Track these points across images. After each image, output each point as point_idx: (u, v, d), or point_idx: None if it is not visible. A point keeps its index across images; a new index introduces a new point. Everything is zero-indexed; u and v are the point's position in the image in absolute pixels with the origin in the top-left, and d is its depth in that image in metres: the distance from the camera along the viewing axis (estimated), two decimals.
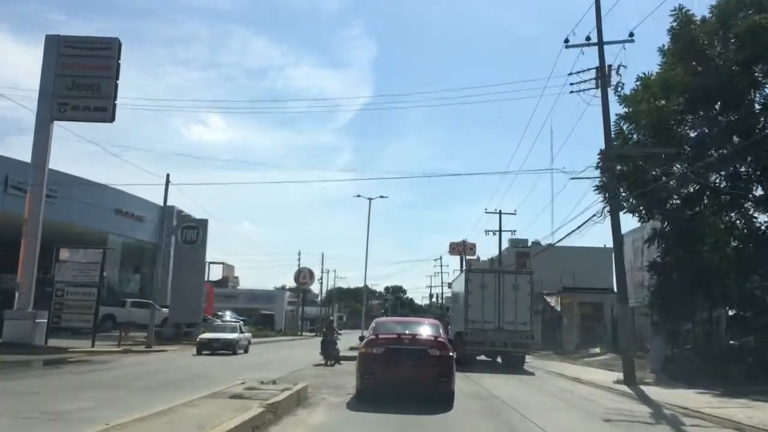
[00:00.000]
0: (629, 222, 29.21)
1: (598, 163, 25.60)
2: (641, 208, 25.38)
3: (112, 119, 25.08)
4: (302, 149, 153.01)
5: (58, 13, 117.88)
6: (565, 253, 42.75)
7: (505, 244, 46.93)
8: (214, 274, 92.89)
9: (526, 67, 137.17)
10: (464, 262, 70.43)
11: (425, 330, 11.70)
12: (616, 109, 23.81)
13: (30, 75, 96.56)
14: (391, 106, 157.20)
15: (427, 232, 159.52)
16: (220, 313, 53.75)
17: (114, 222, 38.02)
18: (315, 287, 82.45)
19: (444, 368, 10.66)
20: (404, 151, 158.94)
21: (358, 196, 36.31)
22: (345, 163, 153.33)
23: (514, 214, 36.89)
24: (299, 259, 74.65)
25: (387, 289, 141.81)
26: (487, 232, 37.10)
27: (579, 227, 22.84)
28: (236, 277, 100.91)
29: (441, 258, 77.82)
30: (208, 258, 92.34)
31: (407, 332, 11.41)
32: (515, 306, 20.83)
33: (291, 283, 77.95)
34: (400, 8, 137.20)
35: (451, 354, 11.04)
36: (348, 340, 40.26)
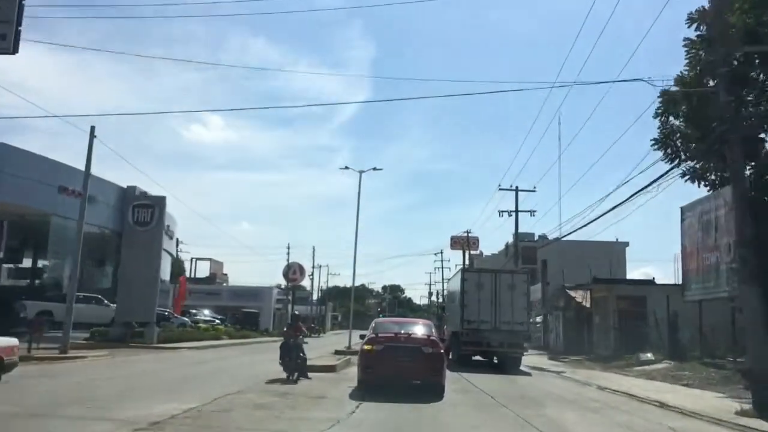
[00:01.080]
0: (689, 191, 22.94)
1: (659, 108, 19.45)
2: (709, 171, 19.29)
3: (14, 50, 18.52)
4: (300, 149, 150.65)
5: (57, 12, 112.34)
6: (573, 248, 41.08)
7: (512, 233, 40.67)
8: (201, 270, 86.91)
9: (525, 69, 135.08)
10: (467, 257, 64.36)
11: (419, 330, 12.74)
12: (687, 32, 17.68)
13: (27, 72, 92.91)
14: (390, 106, 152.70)
15: (427, 232, 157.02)
16: (194, 311, 47.34)
17: (58, 202, 31.57)
18: (307, 284, 76.14)
19: (436, 363, 11.71)
20: (403, 151, 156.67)
21: (346, 167, 29.86)
22: (344, 163, 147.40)
23: (534, 191, 30.57)
24: (288, 254, 68.34)
25: (385, 288, 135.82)
26: (501, 213, 30.69)
27: (654, 181, 16.58)
28: (225, 274, 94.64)
29: (442, 252, 71.56)
30: (195, 254, 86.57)
31: (403, 332, 12.48)
32: (512, 306, 20.16)
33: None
34: (399, 9, 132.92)
35: (441, 351, 12.10)
36: (335, 342, 34.03)
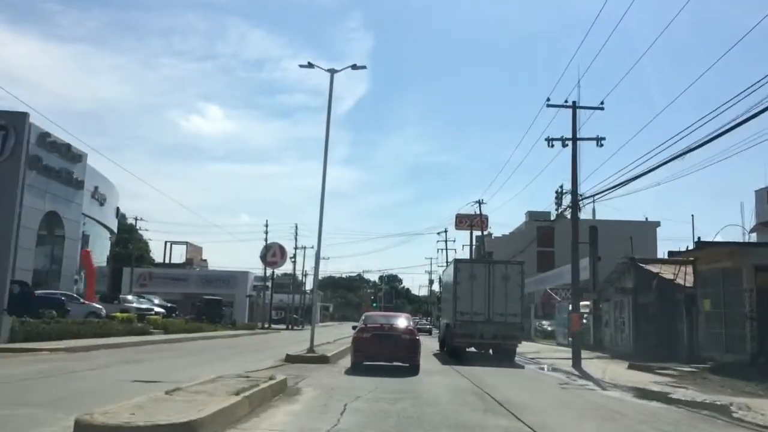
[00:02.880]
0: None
1: None
2: None
3: None
4: (299, 141, 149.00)
5: (54, 3, 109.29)
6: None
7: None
8: (177, 255, 75.64)
9: (523, 61, 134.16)
10: (476, 239, 53.70)
11: (400, 322, 15.27)
12: None
13: (26, 65, 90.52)
14: (388, 99, 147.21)
15: (425, 225, 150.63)
16: (130, 297, 36.26)
17: None
18: (297, 271, 65.09)
19: (412, 348, 14.18)
20: (401, 144, 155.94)
21: (311, 65, 18.58)
22: (342, 156, 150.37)
23: (601, 108, 19.44)
24: (266, 232, 57.08)
25: (382, 278, 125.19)
26: (550, 141, 19.49)
27: None
28: (204, 260, 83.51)
29: (446, 231, 60.61)
30: (168, 237, 75.25)
31: (387, 323, 15.08)
32: (505, 297, 19.32)
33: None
34: (398, 1, 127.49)
35: (417, 338, 14.60)
36: (309, 338, 23.50)
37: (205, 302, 44.08)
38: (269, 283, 58.59)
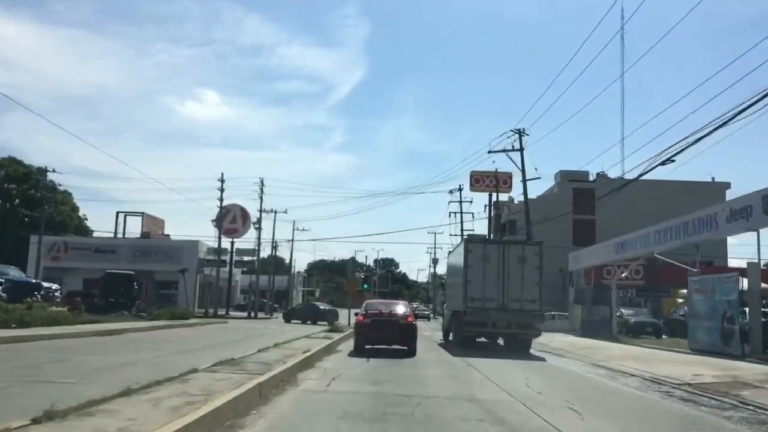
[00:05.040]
0: None
1: None
2: None
3: None
4: (295, 128, 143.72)
5: None
6: (644, 191, 35.70)
7: None
8: (132, 227, 59.94)
9: (520, 48, 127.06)
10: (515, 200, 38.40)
11: (398, 308, 16.03)
12: None
13: (19, 48, 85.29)
14: (385, 86, 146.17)
15: (423, 212, 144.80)
16: None
17: None
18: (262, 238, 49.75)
19: (409, 332, 14.98)
20: (398, 131, 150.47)
21: None
22: (338, 143, 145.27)
23: None
24: (222, 190, 41.44)
25: (377, 261, 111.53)
26: None
27: None
28: (167, 235, 68.22)
29: (461, 189, 45.43)
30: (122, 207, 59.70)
31: (386, 310, 15.79)
32: (522, 281, 17.41)
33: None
34: None
35: (414, 323, 15.37)
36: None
37: (106, 279, 28.72)
38: (226, 257, 43.21)
